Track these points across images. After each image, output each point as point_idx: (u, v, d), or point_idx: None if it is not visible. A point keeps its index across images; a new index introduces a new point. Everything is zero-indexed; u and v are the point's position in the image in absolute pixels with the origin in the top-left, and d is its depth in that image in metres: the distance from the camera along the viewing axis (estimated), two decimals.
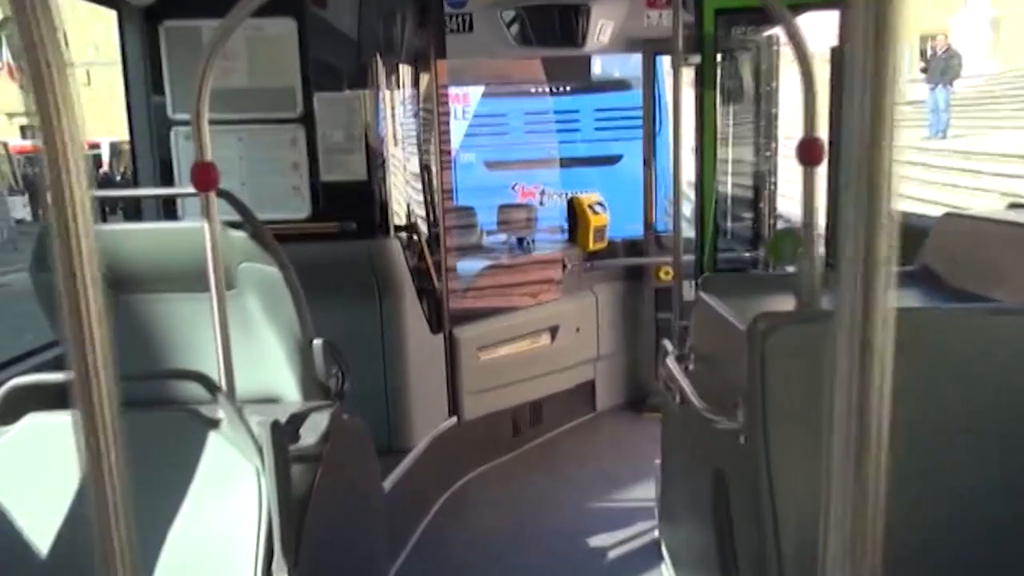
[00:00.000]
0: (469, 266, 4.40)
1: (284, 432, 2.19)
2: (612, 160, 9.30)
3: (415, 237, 3.66)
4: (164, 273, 2.41)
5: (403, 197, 3.61)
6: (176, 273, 2.39)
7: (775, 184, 4.96)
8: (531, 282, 4.69)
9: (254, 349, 2.55)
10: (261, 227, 2.46)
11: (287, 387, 2.58)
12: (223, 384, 2.19)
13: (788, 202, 5.59)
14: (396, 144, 3.55)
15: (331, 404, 2.57)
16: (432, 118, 3.86)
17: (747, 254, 4.81)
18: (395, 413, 3.64)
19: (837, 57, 3.18)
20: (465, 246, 4.58)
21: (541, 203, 9.25)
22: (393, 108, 3.58)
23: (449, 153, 4.03)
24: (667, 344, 3.14)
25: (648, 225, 5.08)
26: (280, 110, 3.33)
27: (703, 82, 3.46)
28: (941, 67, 14.93)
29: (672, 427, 2.99)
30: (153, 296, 2.45)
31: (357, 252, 3.40)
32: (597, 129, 9.18)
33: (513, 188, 9.17)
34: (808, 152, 2.20)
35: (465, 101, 7.77)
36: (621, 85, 9.45)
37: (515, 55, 4.81)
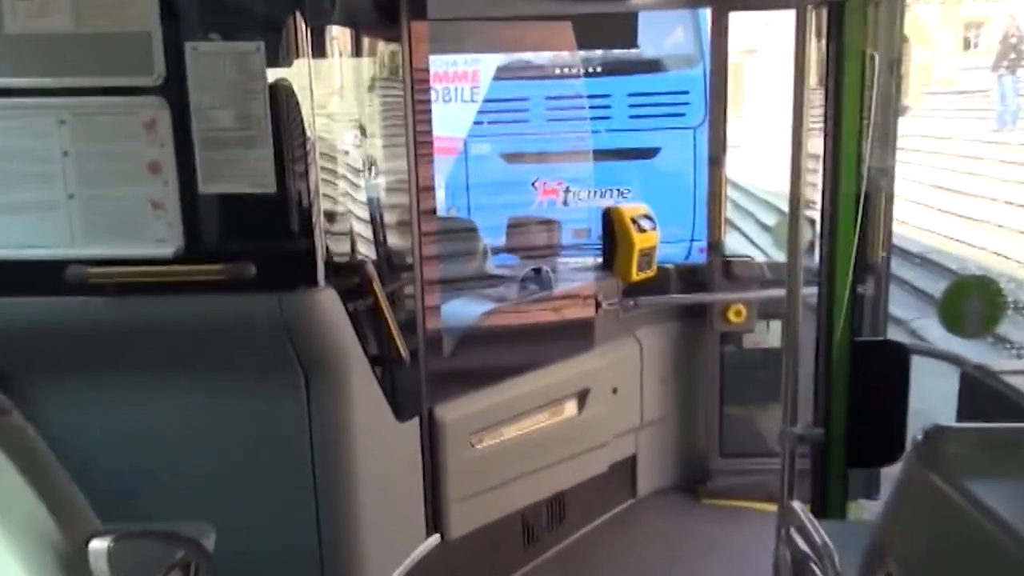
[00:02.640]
0: (462, 311, 2.99)
1: None
2: (648, 153, 7.87)
3: (367, 279, 2.25)
4: None
5: (346, 217, 2.22)
6: None
7: (892, 194, 3.48)
8: (551, 330, 3.28)
9: None
10: None
11: None
12: None
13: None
14: (332, 133, 2.15)
15: None
16: (404, 100, 2.45)
17: None
18: (335, 560, 2.26)
19: None
20: (457, 280, 3.17)
21: (565, 202, 7.85)
22: (330, 78, 2.19)
23: (430, 144, 2.63)
24: (799, 508, 1.73)
25: (713, 246, 3.63)
26: (127, 72, 1.93)
27: (842, 34, 2.03)
28: (1009, 52, 13.24)
29: None
30: None
31: (262, 312, 2.01)
32: (631, 117, 7.76)
33: (533, 185, 7.78)
34: None
35: (473, 80, 6.33)
36: (658, 66, 8.04)
37: (528, 12, 3.38)
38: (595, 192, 7.81)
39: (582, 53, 7.58)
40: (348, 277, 2.17)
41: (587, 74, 7.68)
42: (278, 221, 2.00)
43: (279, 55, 1.98)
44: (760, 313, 3.68)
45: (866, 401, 2.15)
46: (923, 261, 8.88)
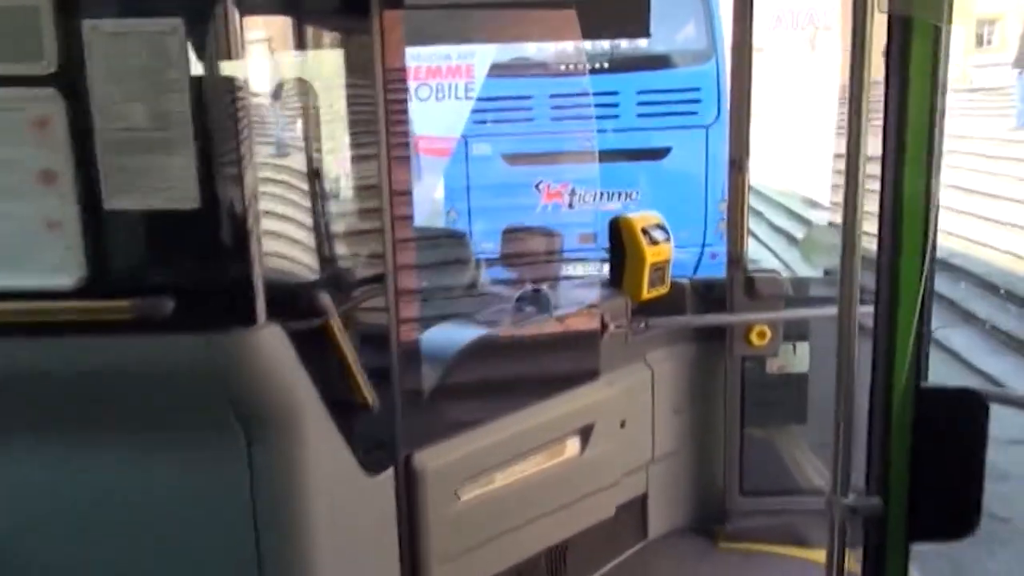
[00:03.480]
0: (446, 339, 2.58)
1: None
2: (658, 154, 7.46)
3: (322, 310, 1.85)
4: None
5: (294, 236, 1.82)
6: None
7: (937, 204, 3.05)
8: (551, 358, 2.87)
9: None
10: None
11: None
12: None
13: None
14: (278, 135, 1.75)
15: None
16: (375, 98, 2.04)
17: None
18: None
19: None
20: (441, 303, 2.76)
21: (570, 205, 7.45)
22: (279, 70, 1.78)
23: (407, 147, 2.23)
24: None
25: (734, 260, 3.20)
26: (10, 58, 1.54)
27: (910, 3, 1.62)
28: None
29: None
30: None
31: (186, 357, 1.61)
32: (640, 116, 7.35)
33: (537, 187, 7.38)
34: None
35: (468, 75, 5.91)
36: (668, 62, 7.63)
37: None
38: (602, 195, 7.41)
39: (587, 48, 7.17)
40: (297, 309, 1.76)
41: (593, 70, 7.28)
42: (204, 243, 1.59)
43: (208, 39, 1.57)
44: (785, 334, 3.27)
45: (933, 462, 1.73)
46: (944, 266, 8.45)
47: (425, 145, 6.09)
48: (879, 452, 1.76)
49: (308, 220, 1.87)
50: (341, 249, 2.01)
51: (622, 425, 3.00)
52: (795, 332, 3.29)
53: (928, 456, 1.74)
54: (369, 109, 2.04)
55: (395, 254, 2.11)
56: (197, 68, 1.56)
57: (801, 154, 10.63)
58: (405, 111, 2.19)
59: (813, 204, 11.42)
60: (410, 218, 2.24)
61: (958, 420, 1.74)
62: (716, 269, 7.51)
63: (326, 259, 1.94)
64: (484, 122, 7.08)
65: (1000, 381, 6.07)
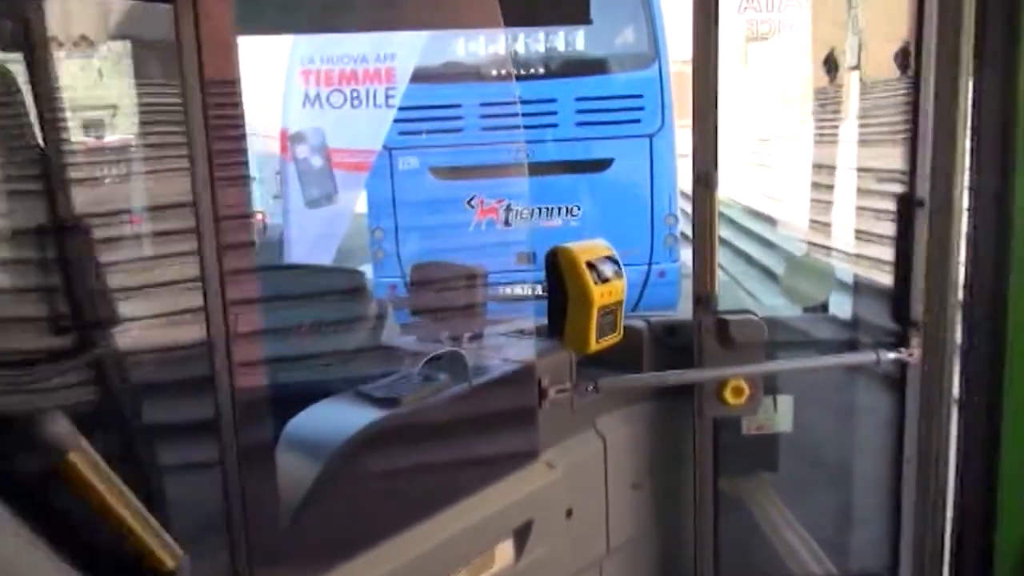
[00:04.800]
0: (323, 424, 1.85)
1: None
2: (600, 165, 6.87)
3: (56, 438, 1.11)
4: None
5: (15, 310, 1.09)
6: None
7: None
8: (473, 442, 2.15)
9: None
10: None
11: None
12: None
13: None
14: None
15: None
16: (186, 107, 1.34)
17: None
18: None
19: None
20: (316, 366, 2.03)
21: (507, 222, 6.78)
22: None
23: (242, 164, 1.52)
24: None
25: (703, 301, 2.53)
26: None
27: None
28: None
29: None
30: None
31: None
32: (579, 124, 6.77)
33: (470, 203, 6.71)
34: None
35: (388, 80, 5.18)
36: (609, 67, 7.07)
37: None
38: (541, 210, 6.79)
39: (522, 51, 6.54)
40: (10, 446, 1.02)
41: (529, 76, 6.66)
42: None
43: None
44: (764, 387, 2.62)
45: None
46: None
47: (339, 159, 5.36)
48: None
49: (36, 279, 1.14)
50: (111, 315, 1.28)
51: (568, 515, 2.31)
52: (774, 383, 2.66)
53: None
54: (175, 118, 1.33)
55: (225, 307, 1.39)
56: None
57: (745, 167, 10.20)
58: (239, 122, 1.49)
59: (756, 215, 10.99)
60: (250, 248, 1.53)
61: None
62: (665, 288, 6.96)
63: (74, 337, 1.20)
64: (409, 133, 6.39)
65: None
